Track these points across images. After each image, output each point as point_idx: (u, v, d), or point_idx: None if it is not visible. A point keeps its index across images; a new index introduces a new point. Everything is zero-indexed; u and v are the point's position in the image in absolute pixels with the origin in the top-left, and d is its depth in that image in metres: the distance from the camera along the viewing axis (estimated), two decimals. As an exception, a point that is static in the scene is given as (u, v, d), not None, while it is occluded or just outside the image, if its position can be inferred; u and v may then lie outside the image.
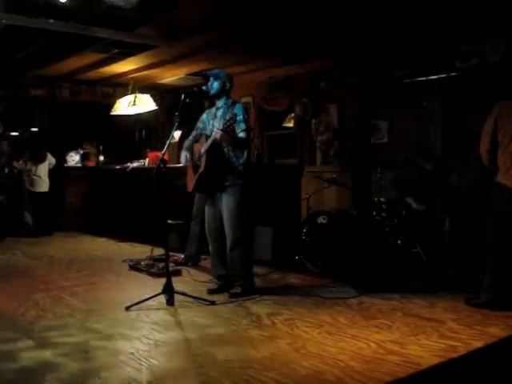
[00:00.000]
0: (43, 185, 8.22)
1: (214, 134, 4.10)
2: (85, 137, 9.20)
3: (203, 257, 5.73)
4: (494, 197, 4.06)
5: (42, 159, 8.23)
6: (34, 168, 8.15)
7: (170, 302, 3.96)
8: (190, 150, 4.51)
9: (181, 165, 4.68)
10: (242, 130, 4.23)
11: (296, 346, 3.09)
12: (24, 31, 5.50)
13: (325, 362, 2.84)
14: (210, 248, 4.53)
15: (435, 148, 6.07)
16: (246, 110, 4.38)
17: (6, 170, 8.17)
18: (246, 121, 4.26)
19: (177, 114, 4.31)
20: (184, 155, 4.50)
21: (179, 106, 4.25)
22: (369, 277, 4.66)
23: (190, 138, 4.61)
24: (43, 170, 8.22)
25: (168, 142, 4.20)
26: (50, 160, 8.35)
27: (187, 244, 5.81)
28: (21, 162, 8.22)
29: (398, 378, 2.63)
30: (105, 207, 8.41)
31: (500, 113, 3.95)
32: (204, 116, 4.57)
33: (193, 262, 5.69)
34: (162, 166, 3.99)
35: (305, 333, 3.36)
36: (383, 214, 5.35)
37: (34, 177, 8.15)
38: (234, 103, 4.39)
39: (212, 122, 4.42)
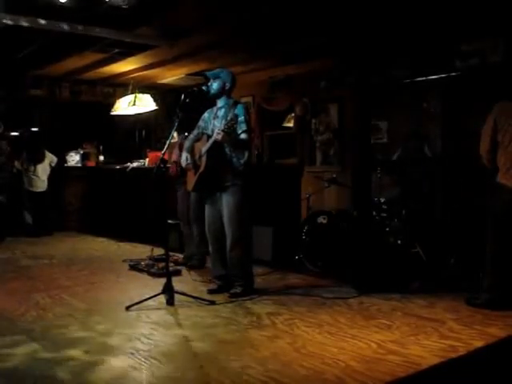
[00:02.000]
0: (42, 184, 8.22)
1: (214, 134, 4.11)
2: (85, 137, 9.19)
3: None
4: (493, 197, 4.07)
5: (40, 159, 8.22)
6: (32, 168, 8.15)
7: (170, 302, 3.96)
8: (191, 150, 4.50)
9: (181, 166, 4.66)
10: (243, 131, 4.23)
11: (296, 346, 3.09)
12: (24, 31, 5.49)
13: (325, 361, 2.84)
14: (210, 248, 4.52)
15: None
16: (247, 110, 4.37)
17: (6, 170, 8.16)
18: (247, 122, 4.26)
19: (176, 113, 4.30)
20: (185, 156, 4.47)
21: (179, 105, 4.25)
22: (369, 277, 4.66)
23: (191, 136, 4.59)
24: (42, 169, 8.22)
25: (168, 141, 4.20)
26: (51, 159, 8.34)
27: (185, 246, 5.80)
28: (20, 162, 8.23)
29: (398, 377, 2.63)
30: (105, 207, 8.40)
31: (500, 113, 3.95)
32: (206, 115, 4.55)
33: (198, 264, 5.59)
34: (161, 165, 3.99)
35: (305, 333, 3.36)
36: (383, 214, 5.35)
37: (33, 176, 8.15)
38: (236, 104, 4.37)
39: (213, 122, 4.41)
